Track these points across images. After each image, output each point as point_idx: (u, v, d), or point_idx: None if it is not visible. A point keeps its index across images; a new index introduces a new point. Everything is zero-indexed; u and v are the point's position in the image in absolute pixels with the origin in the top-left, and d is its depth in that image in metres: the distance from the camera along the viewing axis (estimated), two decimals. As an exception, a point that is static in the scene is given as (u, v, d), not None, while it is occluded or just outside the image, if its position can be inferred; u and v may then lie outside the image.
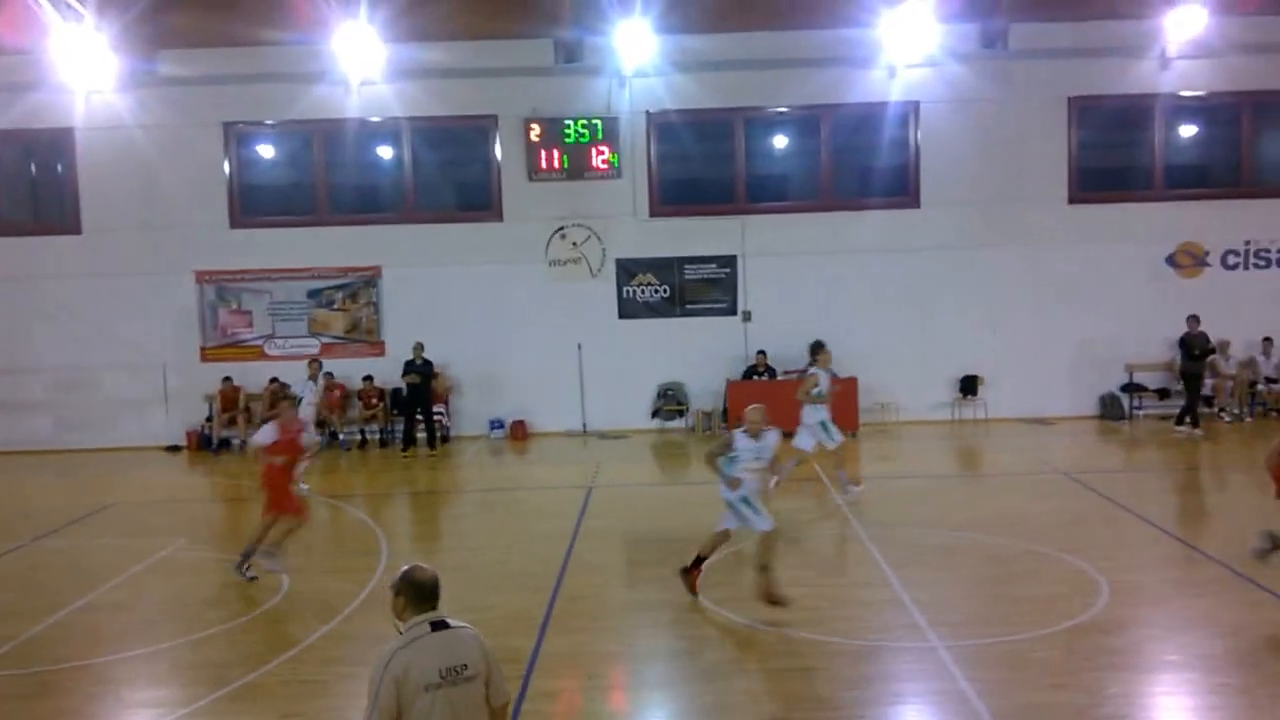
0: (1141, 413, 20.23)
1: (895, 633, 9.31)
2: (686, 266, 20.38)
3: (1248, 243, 20.17)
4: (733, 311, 20.44)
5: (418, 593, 4.98)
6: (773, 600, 9.71)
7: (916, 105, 20.00)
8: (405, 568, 5.09)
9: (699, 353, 20.28)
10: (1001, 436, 19.11)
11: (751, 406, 10.16)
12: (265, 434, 11.23)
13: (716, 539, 10.40)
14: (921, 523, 13.13)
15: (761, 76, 19.97)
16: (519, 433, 20.38)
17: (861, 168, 20.98)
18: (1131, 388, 20.22)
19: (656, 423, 20.47)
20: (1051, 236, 20.08)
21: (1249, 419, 19.76)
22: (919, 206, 20.19)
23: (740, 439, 9.98)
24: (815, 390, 14.33)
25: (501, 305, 20.36)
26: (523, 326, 20.34)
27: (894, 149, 20.34)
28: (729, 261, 20.36)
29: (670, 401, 20.38)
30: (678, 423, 20.50)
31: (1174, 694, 8.24)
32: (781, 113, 20.65)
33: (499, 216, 20.41)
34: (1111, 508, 13.71)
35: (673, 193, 20.60)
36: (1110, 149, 21.13)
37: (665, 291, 20.43)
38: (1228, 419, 19.58)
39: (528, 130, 19.98)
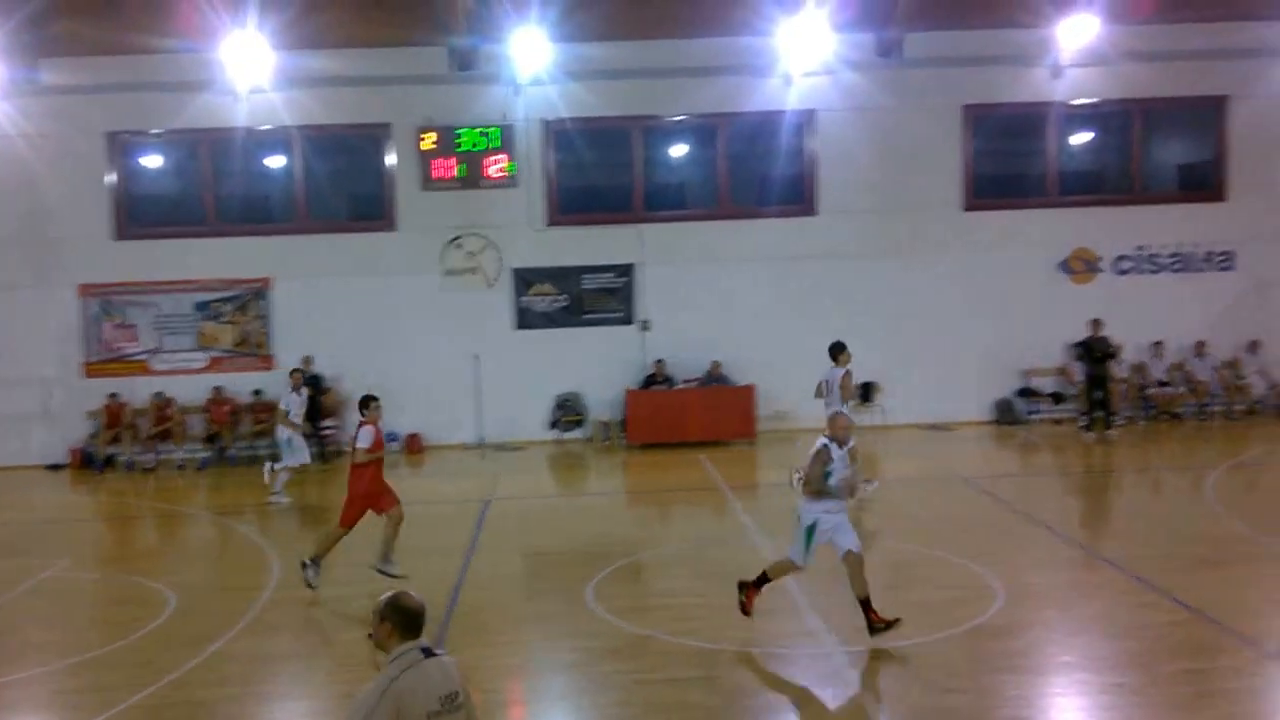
0: (1037, 417, 20.52)
1: (793, 639, 9.19)
2: (584, 276, 20.13)
3: (1139, 248, 20.61)
4: (631, 321, 20.23)
5: (406, 620, 4.81)
6: (747, 597, 9.51)
7: (813, 113, 20.06)
8: (391, 594, 4.88)
9: (597, 362, 20.02)
10: (900, 442, 19.19)
11: (835, 411, 9.52)
12: (366, 437, 11.01)
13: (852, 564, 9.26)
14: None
15: (658, 85, 19.87)
16: (414, 446, 19.88)
17: (759, 176, 20.99)
18: (1027, 393, 20.52)
19: (555, 434, 20.15)
20: (947, 243, 20.28)
21: (1141, 422, 20.15)
22: (816, 214, 20.25)
23: (834, 450, 9.14)
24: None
25: (395, 316, 19.86)
26: (417, 338, 19.85)
27: (791, 157, 20.37)
28: (627, 270, 20.17)
29: (568, 412, 20.08)
30: (576, 433, 20.19)
31: (1068, 695, 8.26)
32: (679, 121, 20.58)
33: (392, 226, 19.96)
34: (1008, 511, 13.82)
35: (570, 201, 20.36)
36: (1005, 156, 21.42)
37: (563, 301, 20.14)
38: (1121, 422, 19.92)
39: (421, 139, 19.56)
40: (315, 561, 11.08)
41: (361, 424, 11.10)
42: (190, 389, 19.73)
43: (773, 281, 20.13)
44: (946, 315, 20.23)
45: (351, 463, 11.20)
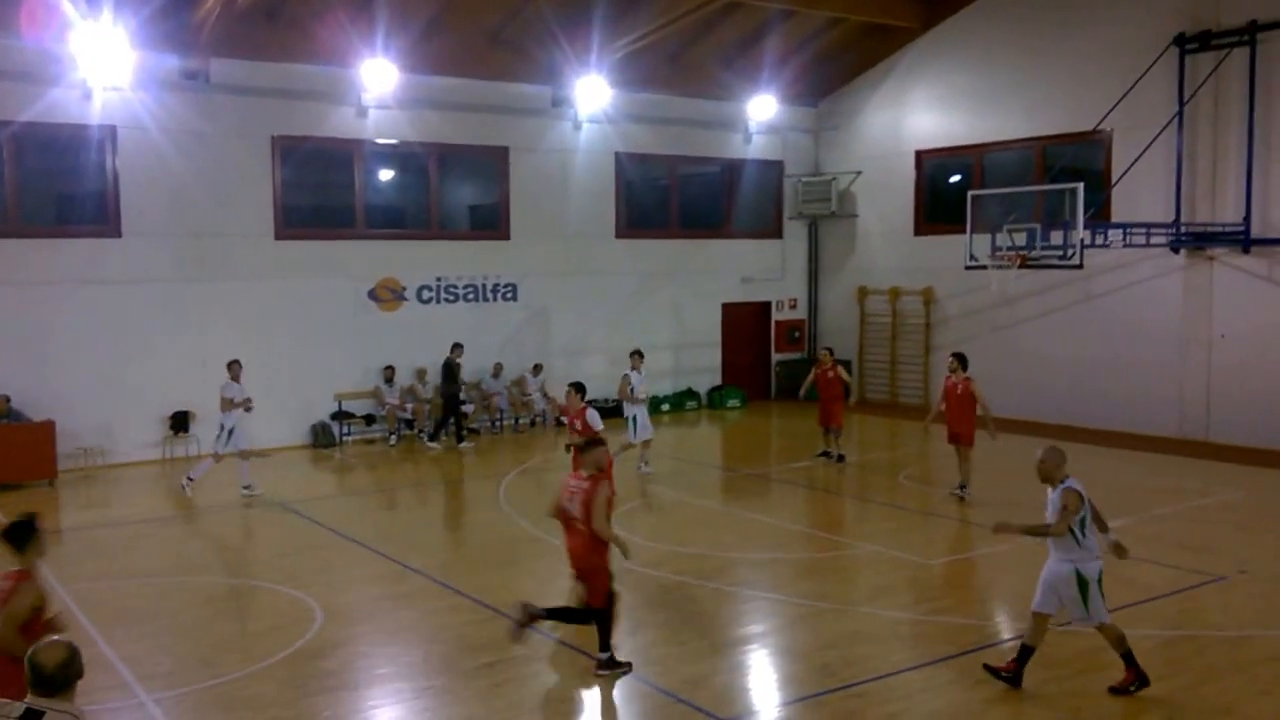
0: (351, 438, 21.34)
1: (101, 695, 8.71)
2: None
3: (439, 279, 22.32)
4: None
5: (35, 676, 4.41)
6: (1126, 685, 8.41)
7: (114, 130, 18.92)
8: (38, 643, 4.56)
9: None
10: (215, 471, 18.80)
11: (1047, 447, 8.39)
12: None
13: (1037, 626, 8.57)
14: (129, 573, 12.47)
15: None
16: None
17: (55, 193, 19.36)
18: (341, 415, 21.28)
19: None
20: (260, 270, 20.32)
21: (444, 437, 21.80)
22: (121, 236, 19.15)
23: (1049, 492, 8.36)
24: (631, 389, 17.82)
25: None
26: None
27: (91, 174, 18.99)
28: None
29: None
30: None
31: (384, 705, 8.88)
32: (-49, 126, 18.25)
33: None
34: (324, 533, 14.30)
35: None
36: (315, 188, 21.98)
37: None
38: (426, 438, 21.39)
39: None
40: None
41: None
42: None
43: (75, 307, 18.57)
44: (261, 341, 20.13)
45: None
